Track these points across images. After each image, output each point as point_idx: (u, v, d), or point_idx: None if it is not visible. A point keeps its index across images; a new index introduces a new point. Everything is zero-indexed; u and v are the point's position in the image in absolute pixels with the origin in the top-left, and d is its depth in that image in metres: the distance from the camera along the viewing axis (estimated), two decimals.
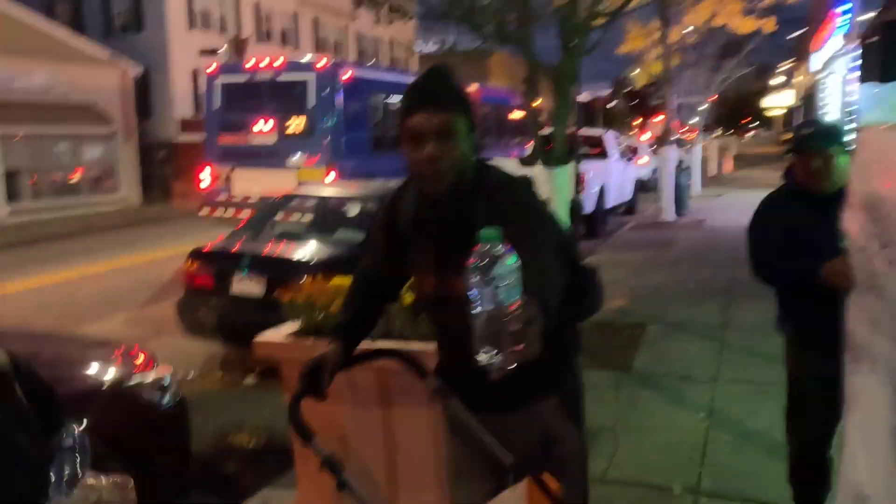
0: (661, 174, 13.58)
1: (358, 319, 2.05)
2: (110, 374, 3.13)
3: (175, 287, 5.87)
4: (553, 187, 5.58)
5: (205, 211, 11.64)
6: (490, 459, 1.88)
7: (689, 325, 6.18)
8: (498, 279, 1.25)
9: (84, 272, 10.20)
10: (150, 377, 3.20)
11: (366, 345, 2.10)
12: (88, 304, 8.11)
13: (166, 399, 3.21)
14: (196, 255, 5.69)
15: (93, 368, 3.19)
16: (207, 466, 4.01)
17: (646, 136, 30.25)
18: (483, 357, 1.29)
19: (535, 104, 5.73)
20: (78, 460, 1.17)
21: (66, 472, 1.15)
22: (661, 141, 15.62)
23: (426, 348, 2.61)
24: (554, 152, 5.62)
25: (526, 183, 1.87)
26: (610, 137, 14.49)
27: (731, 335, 5.86)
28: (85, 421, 2.81)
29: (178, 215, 17.25)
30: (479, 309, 1.27)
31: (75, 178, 19.54)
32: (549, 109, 9.91)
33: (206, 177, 11.63)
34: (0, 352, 1.23)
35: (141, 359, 3.33)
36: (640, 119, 57.56)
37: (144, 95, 23.05)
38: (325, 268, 5.00)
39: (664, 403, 4.55)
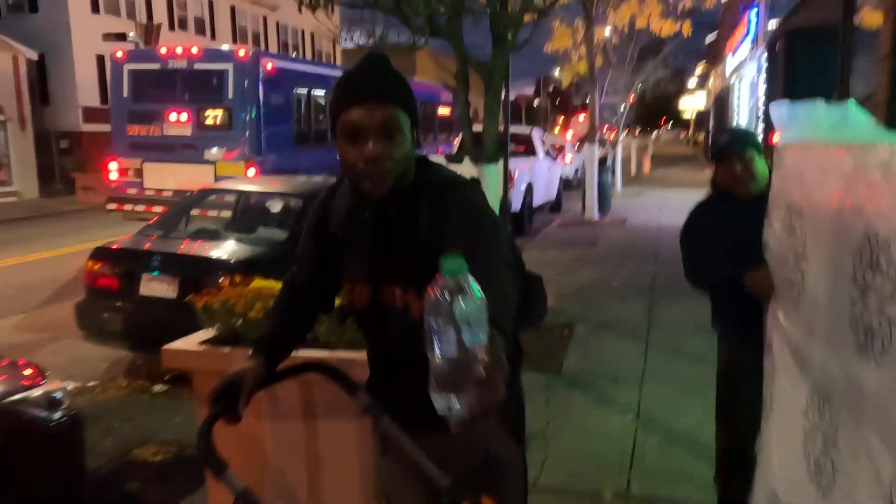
0: (587, 173, 13.75)
1: (283, 331, 1.81)
2: None
3: (74, 288, 5.38)
4: (484, 185, 5.45)
5: (112, 206, 10.96)
6: (424, 481, 1.71)
7: (616, 324, 6.19)
8: (463, 319, 1.05)
9: None
10: (37, 392, 2.86)
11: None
12: None
13: (57, 415, 2.87)
14: (100, 253, 5.23)
15: None
16: (105, 487, 3.64)
17: (569, 135, 30.80)
18: (441, 405, 1.10)
19: (466, 100, 5.55)
20: None
21: None
22: (585, 139, 15.85)
23: (354, 357, 2.40)
24: (485, 149, 5.48)
25: (473, 183, 1.70)
26: (537, 135, 14.58)
27: (656, 334, 5.90)
28: None
29: (81, 210, 16.20)
30: (438, 353, 1.07)
31: None
32: (477, 106, 9.84)
33: (113, 170, 10.94)
34: None
35: (28, 372, 2.97)
36: (563, 118, 58.85)
37: (42, 82, 21.58)
38: (244, 268, 4.69)
39: (594, 406, 4.50)
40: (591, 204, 13.65)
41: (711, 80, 36.35)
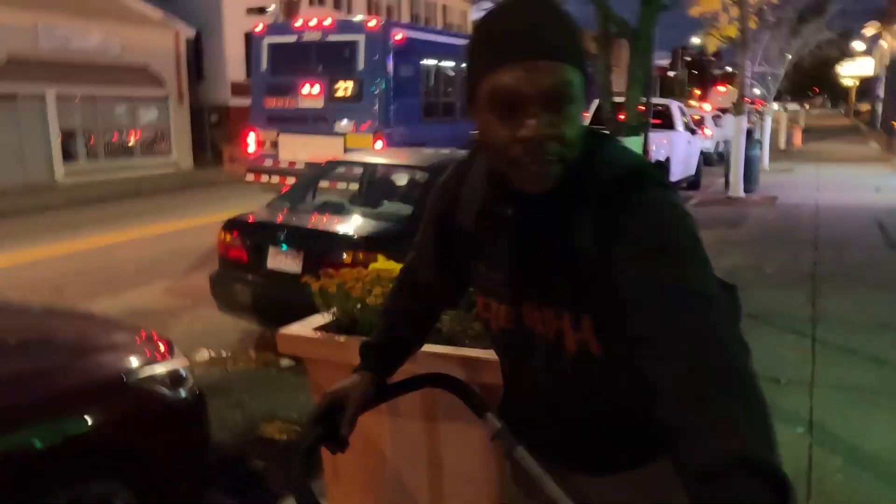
0: (733, 146, 12.67)
1: (396, 337, 1.50)
2: (120, 364, 2.75)
3: (215, 257, 5.50)
4: None
5: (250, 177, 11.37)
6: None
7: (773, 317, 5.52)
8: None
9: (128, 236, 10.02)
10: (164, 368, 2.82)
11: None
12: (128, 270, 7.88)
13: (182, 393, 2.83)
14: (231, 225, 5.30)
15: (102, 357, 2.82)
16: (229, 465, 3.63)
17: (708, 107, 28.82)
18: None
19: (608, 65, 5.07)
20: None
21: None
22: (732, 111, 14.64)
23: (484, 357, 2.12)
24: (628, 121, 4.98)
25: (659, 176, 1.16)
26: (675, 107, 13.64)
27: (824, 330, 5.19)
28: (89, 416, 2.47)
29: (227, 181, 17.11)
30: None
31: (128, 140, 19.59)
32: (618, 75, 9.21)
33: (251, 142, 11.33)
34: None
35: (156, 347, 2.95)
36: (701, 89, 55.52)
37: (197, 58, 22.92)
38: (367, 244, 4.57)
39: None
40: (735, 179, 12.58)
41: (885, 41, 32.45)
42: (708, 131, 20.17)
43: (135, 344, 2.98)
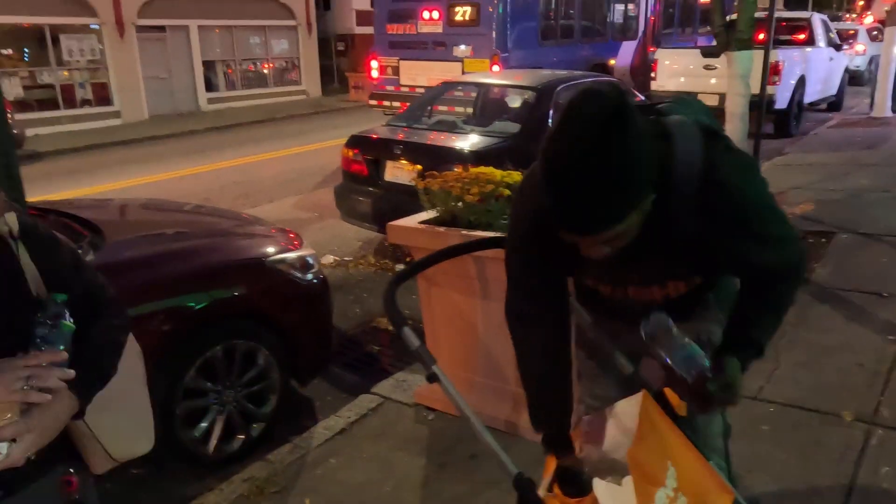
0: (881, 60, 11.60)
1: (567, 415, 1.60)
2: (260, 249, 3.28)
3: (338, 175, 6.05)
4: (733, 73, 4.86)
5: (373, 103, 11.87)
6: (614, 372, 1.76)
7: (889, 237, 5.34)
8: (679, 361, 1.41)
9: (263, 157, 10.94)
10: (295, 255, 3.32)
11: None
12: (263, 186, 8.69)
13: (309, 276, 3.32)
14: (354, 141, 5.78)
15: (246, 242, 3.36)
16: (349, 344, 4.19)
17: (868, 20, 25.95)
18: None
19: None
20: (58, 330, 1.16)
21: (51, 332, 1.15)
22: (885, 22, 13.30)
23: None
24: (737, 32, 4.84)
25: (729, 157, 1.40)
26: (817, 21, 12.55)
27: None
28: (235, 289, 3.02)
29: (352, 107, 17.84)
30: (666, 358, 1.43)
31: (262, 69, 20.72)
32: None
33: (374, 68, 11.77)
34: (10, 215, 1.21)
35: (289, 239, 3.46)
36: (865, 1, 49.70)
37: None
38: (476, 158, 4.86)
39: (845, 321, 4.00)
40: (882, 98, 11.56)
41: None
42: (860, 47, 18.36)
43: (272, 235, 3.51)
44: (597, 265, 1.42)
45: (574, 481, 1.50)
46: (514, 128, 5.49)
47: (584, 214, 1.18)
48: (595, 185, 1.14)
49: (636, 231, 1.27)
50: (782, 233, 1.46)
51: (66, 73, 15.95)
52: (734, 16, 5.05)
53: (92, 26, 16.08)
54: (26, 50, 15.43)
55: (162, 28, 17.44)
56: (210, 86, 19.03)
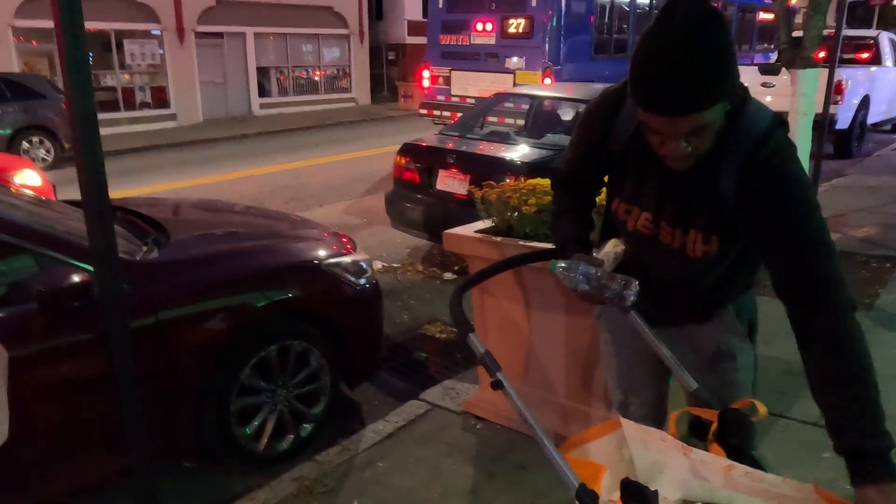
0: None
1: (586, 229, 1.79)
2: (315, 252, 3.32)
3: (389, 182, 6.11)
4: (798, 91, 4.74)
5: (423, 111, 11.97)
6: (656, 368, 1.80)
7: None
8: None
9: (314, 162, 11.11)
10: (349, 259, 3.35)
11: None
12: (313, 190, 8.83)
13: (363, 281, 3.34)
14: (407, 149, 5.82)
15: (301, 245, 3.41)
16: (397, 350, 4.21)
17: None
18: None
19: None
20: None
21: None
22: None
23: None
24: (803, 49, 4.74)
25: (789, 144, 1.45)
26: (885, 39, 12.18)
27: None
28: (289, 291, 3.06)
29: (402, 115, 18.02)
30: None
31: (314, 76, 21.10)
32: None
33: (426, 77, 11.87)
34: None
35: (343, 243, 3.49)
36: None
37: None
38: (528, 169, 4.85)
39: None
40: None
41: None
42: None
43: (326, 239, 3.56)
44: (639, 183, 1.57)
45: (638, 494, 1.47)
46: (566, 140, 5.47)
47: (679, 90, 1.26)
48: (694, 63, 1.23)
49: (709, 143, 1.36)
50: (820, 238, 1.35)
51: (127, 76, 16.51)
52: (800, 33, 4.94)
53: (153, 32, 16.63)
54: (91, 54, 16.02)
55: (220, 35, 17.93)
56: (263, 91, 19.48)
